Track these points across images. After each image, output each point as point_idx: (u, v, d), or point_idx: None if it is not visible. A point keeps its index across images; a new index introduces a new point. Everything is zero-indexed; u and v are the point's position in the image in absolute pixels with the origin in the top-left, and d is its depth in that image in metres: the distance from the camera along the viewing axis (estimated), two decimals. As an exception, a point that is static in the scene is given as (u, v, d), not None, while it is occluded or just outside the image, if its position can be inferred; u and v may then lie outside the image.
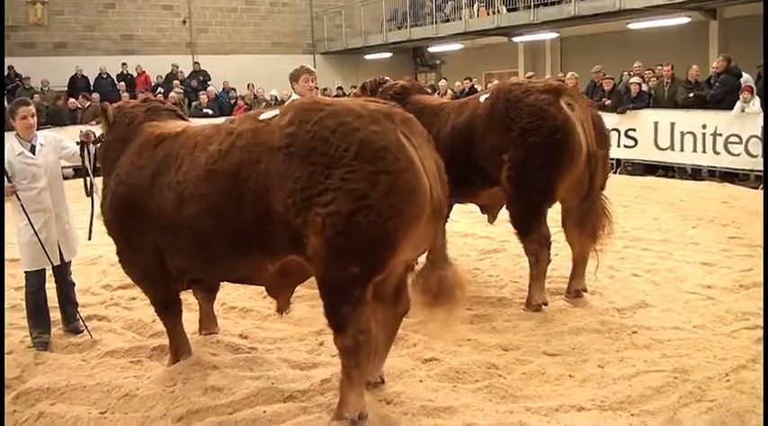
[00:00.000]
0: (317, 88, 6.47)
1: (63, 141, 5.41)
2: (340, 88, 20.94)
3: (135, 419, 3.96)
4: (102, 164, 4.75)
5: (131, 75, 20.64)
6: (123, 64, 20.73)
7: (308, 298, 5.76)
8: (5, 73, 19.13)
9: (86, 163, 5.07)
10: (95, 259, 7.67)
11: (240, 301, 5.93)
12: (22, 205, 4.99)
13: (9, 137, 5.25)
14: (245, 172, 3.64)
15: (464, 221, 8.34)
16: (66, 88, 19.51)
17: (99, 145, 4.97)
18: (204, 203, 3.78)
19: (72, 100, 17.85)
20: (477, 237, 7.97)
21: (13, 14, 20.53)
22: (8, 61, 19.45)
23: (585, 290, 5.77)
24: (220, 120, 4.37)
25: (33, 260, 5.14)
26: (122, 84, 19.59)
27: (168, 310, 4.62)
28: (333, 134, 3.46)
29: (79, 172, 5.25)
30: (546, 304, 5.45)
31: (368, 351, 3.62)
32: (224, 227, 3.75)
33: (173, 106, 5.14)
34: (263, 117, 3.81)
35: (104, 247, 7.76)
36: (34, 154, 5.11)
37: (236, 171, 3.67)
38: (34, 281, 5.19)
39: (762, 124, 10.96)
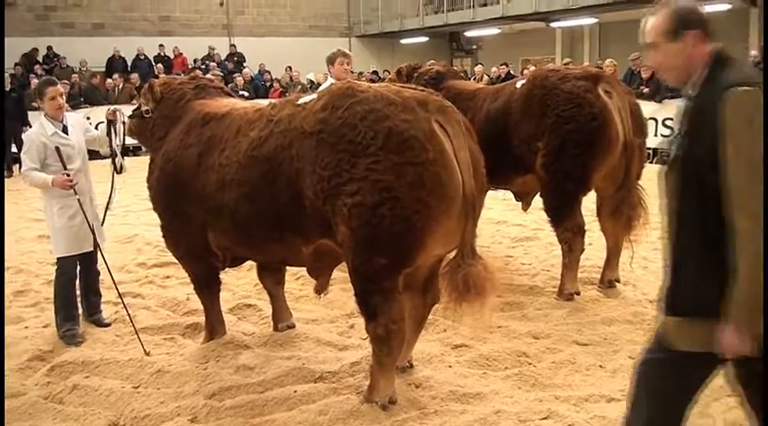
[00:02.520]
0: (352, 72, 6.48)
1: (87, 124, 5.38)
2: (375, 72, 20.91)
3: (167, 394, 4.03)
4: (149, 140, 4.76)
5: (168, 57, 20.81)
6: (161, 45, 20.92)
7: (339, 281, 5.77)
8: (44, 52, 19.50)
9: (113, 141, 4.99)
10: (131, 237, 7.81)
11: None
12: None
13: (36, 118, 5.12)
14: (279, 156, 3.65)
15: (497, 208, 8.30)
16: (103, 68, 19.75)
17: (134, 120, 4.93)
18: (243, 189, 3.80)
19: (109, 80, 18.07)
20: (510, 225, 7.94)
21: (54, -5, 20.86)
22: (47, 41, 19.81)
23: (618, 281, 5.72)
24: (257, 103, 4.38)
25: (69, 245, 4.98)
26: (159, 65, 19.74)
27: (208, 288, 4.64)
28: (362, 121, 3.39)
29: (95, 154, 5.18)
30: (578, 293, 5.42)
31: (400, 340, 3.63)
32: (260, 212, 3.77)
33: (219, 84, 5.13)
34: (301, 101, 3.79)
35: (141, 226, 7.96)
36: (67, 134, 4.95)
37: (273, 156, 3.68)
38: (68, 268, 5.06)
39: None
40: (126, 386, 4.18)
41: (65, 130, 4.94)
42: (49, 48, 19.63)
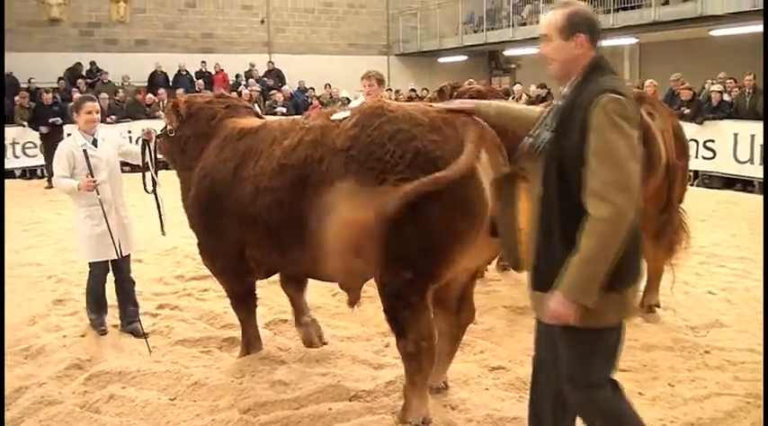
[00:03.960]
0: (388, 90, 6.54)
1: (122, 139, 5.61)
2: (413, 90, 20.99)
3: (203, 407, 4.04)
4: (180, 158, 4.83)
5: (209, 73, 21.15)
6: (202, 62, 21.28)
7: (376, 298, 5.78)
8: (87, 67, 19.95)
9: (148, 160, 5.13)
10: (170, 250, 7.90)
11: (309, 298, 5.96)
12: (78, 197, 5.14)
13: (70, 130, 5.34)
14: (309, 167, 3.70)
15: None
16: (146, 84, 20.14)
17: (161, 139, 5.04)
18: (275, 195, 3.84)
19: (149, 95, 18.41)
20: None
21: (97, 12, 21.38)
22: (91, 56, 20.29)
23: (659, 306, 5.60)
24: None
25: (94, 251, 5.24)
26: (200, 81, 20.07)
27: (245, 303, 4.68)
28: (390, 140, 3.45)
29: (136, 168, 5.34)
30: (618, 316, 5.31)
31: (430, 357, 3.62)
32: (290, 219, 3.80)
33: (248, 103, 5.24)
34: (335, 116, 3.85)
35: (180, 239, 8.02)
36: (96, 147, 5.22)
37: (302, 164, 3.73)
38: (97, 271, 5.34)
39: None
40: (162, 397, 4.20)
41: (94, 143, 5.22)
42: (93, 63, 20.09)
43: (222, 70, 21.37)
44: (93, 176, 5.05)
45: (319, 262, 3.84)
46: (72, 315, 5.82)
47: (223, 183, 4.22)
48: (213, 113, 4.69)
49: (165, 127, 4.99)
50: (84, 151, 5.08)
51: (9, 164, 16.19)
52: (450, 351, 4.05)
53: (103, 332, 5.31)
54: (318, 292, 6.06)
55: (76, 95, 5.81)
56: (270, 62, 22.38)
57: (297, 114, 17.21)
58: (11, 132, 16.17)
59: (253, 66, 21.52)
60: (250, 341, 4.75)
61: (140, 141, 5.19)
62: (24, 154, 16.12)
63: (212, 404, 4.08)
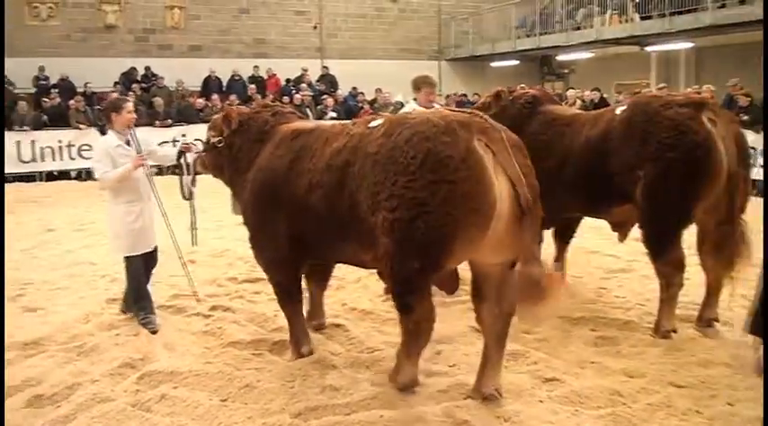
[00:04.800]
0: (439, 95, 6.52)
1: (150, 141, 5.90)
2: (464, 95, 20.89)
3: (254, 410, 4.07)
4: (231, 166, 5.13)
5: (262, 78, 21.38)
6: (255, 67, 21.51)
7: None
8: (142, 72, 20.39)
9: (185, 169, 5.57)
10: (223, 252, 8.00)
11: (360, 303, 6.00)
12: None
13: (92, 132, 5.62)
14: (347, 169, 4.08)
15: (590, 237, 8.06)
16: (199, 88, 20.48)
17: (207, 152, 5.39)
18: (323, 191, 4.23)
19: (199, 100, 18.72)
20: (604, 255, 7.69)
21: (152, 18, 21.81)
22: (146, 61, 20.68)
23: (717, 320, 5.41)
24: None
25: (133, 245, 5.53)
26: (253, 86, 20.31)
27: (290, 297, 4.91)
28: (406, 143, 3.75)
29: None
30: (675, 331, 5.16)
31: (427, 336, 4.03)
32: (334, 215, 4.19)
33: (292, 109, 5.51)
34: (372, 124, 4.18)
35: (233, 241, 8.14)
36: (129, 146, 5.51)
37: (343, 167, 4.12)
38: (138, 264, 5.59)
39: None
40: (213, 398, 4.24)
41: (127, 143, 5.53)
42: (147, 68, 20.47)
43: (275, 75, 21.59)
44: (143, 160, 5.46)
45: (359, 252, 4.24)
46: (125, 313, 5.92)
47: (280, 176, 4.57)
48: (264, 121, 5.05)
49: (209, 140, 5.33)
50: (129, 142, 5.45)
51: (66, 165, 16.78)
52: (497, 348, 4.10)
53: (154, 331, 5.43)
54: (369, 298, 6.07)
55: (113, 96, 6.21)
56: (324, 67, 22.53)
57: (348, 119, 17.36)
58: (68, 135, 16.72)
59: (305, 71, 21.70)
60: (299, 339, 4.89)
61: (177, 152, 5.67)
62: (80, 156, 16.58)
63: (263, 407, 4.09)
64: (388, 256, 3.82)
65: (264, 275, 5.33)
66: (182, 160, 5.64)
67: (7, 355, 4.97)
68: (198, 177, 5.74)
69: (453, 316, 5.50)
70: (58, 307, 6.21)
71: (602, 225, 6.32)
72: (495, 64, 24.30)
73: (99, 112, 5.64)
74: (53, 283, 7.02)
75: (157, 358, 4.90)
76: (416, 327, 3.97)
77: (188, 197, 5.65)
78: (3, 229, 5.45)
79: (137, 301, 5.61)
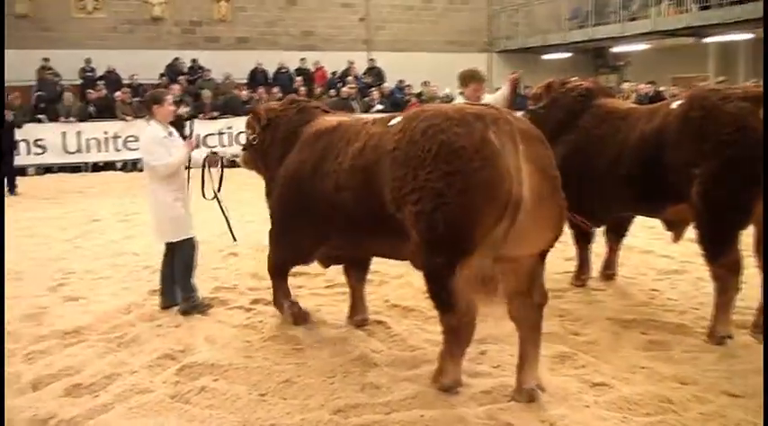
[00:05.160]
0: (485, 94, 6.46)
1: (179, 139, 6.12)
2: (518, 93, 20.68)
3: (293, 405, 4.07)
4: (263, 163, 5.49)
5: (309, 71, 21.53)
6: (302, 59, 21.69)
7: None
8: (189, 64, 20.69)
9: (205, 175, 5.88)
10: (265, 245, 8.03)
11: (403, 299, 5.97)
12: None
13: (137, 124, 5.85)
14: (372, 168, 4.24)
15: (643, 236, 7.90)
16: (246, 81, 20.71)
17: (246, 152, 5.71)
18: (351, 191, 4.42)
19: (244, 92, 18.92)
20: (657, 255, 7.51)
21: (199, 10, 22.18)
22: (193, 54, 21.05)
23: (775, 326, 5.24)
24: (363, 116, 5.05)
25: (184, 230, 5.79)
26: (300, 78, 20.46)
27: (279, 278, 5.51)
28: (422, 136, 3.87)
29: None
30: (731, 337, 4.99)
31: (469, 335, 4.04)
32: (364, 213, 4.37)
33: (317, 103, 5.86)
34: (391, 122, 4.32)
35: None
36: (172, 137, 5.79)
37: (367, 167, 4.29)
38: (191, 244, 5.86)
39: None
40: (253, 392, 4.26)
41: (170, 134, 5.80)
42: (194, 60, 20.80)
43: (322, 67, 21.73)
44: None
45: (394, 248, 4.37)
46: (166, 309, 6.01)
47: (305, 182, 4.83)
48: (288, 120, 5.33)
49: (247, 138, 5.68)
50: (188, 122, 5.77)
51: (111, 157, 17.17)
52: (533, 341, 4.10)
53: (206, 309, 5.78)
54: (412, 294, 6.04)
55: (157, 90, 6.47)
56: (370, 59, 22.57)
57: (396, 111, 17.36)
58: (113, 126, 17.10)
59: (351, 63, 21.77)
60: (281, 303, 5.48)
61: (203, 160, 5.96)
62: (126, 147, 16.97)
63: (302, 403, 4.10)
64: (419, 252, 3.96)
65: (308, 269, 5.40)
66: (204, 168, 5.91)
67: (46, 343, 5.10)
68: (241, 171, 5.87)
69: (500, 316, 5.43)
70: (99, 297, 6.34)
71: (656, 224, 6.18)
72: (546, 56, 24.02)
73: (140, 103, 5.88)
74: (96, 273, 7.18)
75: (198, 350, 4.96)
76: (457, 325, 3.99)
77: (212, 197, 5.86)
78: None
79: (188, 283, 5.83)
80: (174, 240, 5.80)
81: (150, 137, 5.71)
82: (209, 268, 7.30)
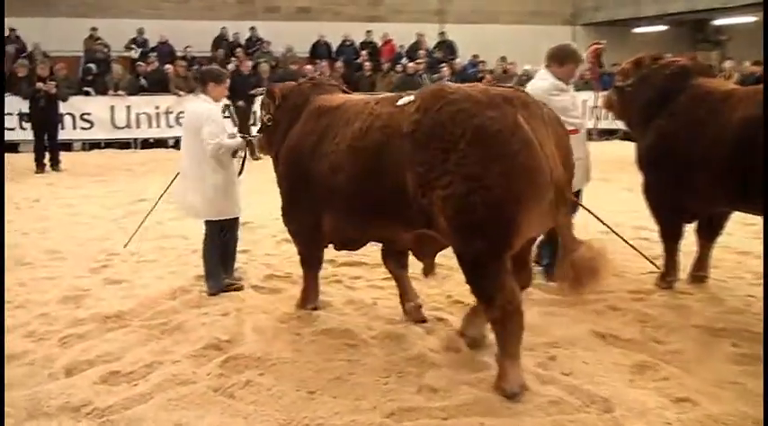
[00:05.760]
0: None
1: None
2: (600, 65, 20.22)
3: (343, 405, 4.10)
4: (273, 135, 5.71)
5: (375, 44, 21.54)
6: (368, 31, 21.72)
7: (542, 303, 5.66)
8: (247, 35, 20.93)
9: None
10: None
11: (467, 296, 5.82)
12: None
13: (192, 100, 6.51)
14: (380, 151, 4.41)
15: (739, 235, 7.64)
16: (308, 54, 20.85)
17: (263, 134, 5.93)
18: (350, 173, 4.63)
19: (308, 66, 19.04)
20: (754, 257, 7.24)
21: (266, -23, 22.36)
22: (250, 24, 21.23)
23: None
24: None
25: (231, 208, 6.12)
26: (365, 52, 20.48)
27: (309, 266, 5.66)
28: (451, 120, 4.02)
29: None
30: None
31: (519, 321, 4.12)
32: (366, 196, 4.58)
33: (334, 82, 6.13)
34: (400, 102, 4.48)
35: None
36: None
37: (373, 148, 4.46)
38: (234, 224, 6.25)
39: None
40: (301, 389, 4.30)
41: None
42: (252, 29, 21.04)
43: (390, 40, 21.70)
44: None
45: (399, 232, 4.66)
46: (214, 293, 6.12)
47: (306, 156, 5.09)
48: (301, 93, 5.61)
49: (263, 120, 5.92)
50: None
51: (162, 133, 17.55)
52: None
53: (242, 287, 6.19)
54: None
55: (217, 68, 6.78)
56: (442, 32, 22.42)
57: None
58: (165, 101, 17.41)
59: (421, 36, 21.67)
60: (309, 296, 5.66)
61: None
62: (178, 123, 17.09)
63: (353, 403, 4.13)
64: (450, 238, 4.19)
65: (366, 259, 5.33)
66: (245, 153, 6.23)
67: (85, 328, 5.28)
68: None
69: (573, 318, 5.38)
70: (143, 281, 6.51)
71: (756, 221, 5.96)
72: (639, 29, 23.44)
73: (196, 73, 6.11)
74: (141, 255, 7.36)
75: (245, 341, 5.03)
76: (503, 315, 4.08)
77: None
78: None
79: (220, 266, 6.15)
80: (233, 215, 6.15)
81: (209, 113, 5.94)
82: (262, 254, 7.42)
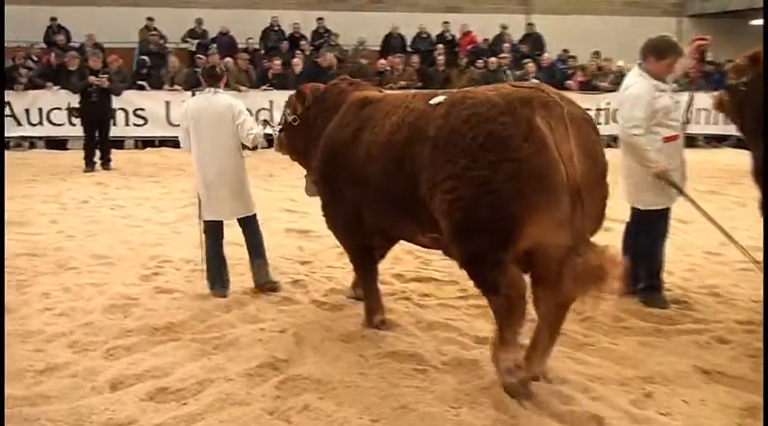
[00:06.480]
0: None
1: None
2: (710, 62, 19.76)
3: (409, 437, 4.08)
4: (307, 139, 6.05)
5: (453, 36, 21.54)
6: (445, 22, 21.73)
7: (638, 332, 5.54)
8: (314, 27, 21.15)
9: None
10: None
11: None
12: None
13: (207, 97, 6.61)
14: (405, 148, 4.78)
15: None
16: (378, 48, 20.99)
17: (282, 133, 6.41)
18: (381, 165, 4.99)
19: (382, 61, 19.13)
20: None
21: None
22: (318, 14, 21.47)
23: None
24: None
25: (253, 203, 6.79)
26: (441, 45, 20.51)
27: (363, 264, 5.95)
28: (465, 124, 4.36)
29: None
30: None
31: (521, 310, 4.44)
32: (391, 191, 4.94)
33: (369, 82, 6.50)
34: (433, 101, 4.81)
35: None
36: None
37: (402, 144, 4.82)
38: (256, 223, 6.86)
39: None
40: (363, 417, 4.30)
41: None
42: (320, 19, 21.30)
43: (469, 32, 21.64)
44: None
45: (416, 233, 5.04)
46: (274, 304, 6.24)
47: (344, 145, 5.42)
48: (339, 90, 6.02)
49: (284, 120, 6.36)
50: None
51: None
52: (549, 337, 4.70)
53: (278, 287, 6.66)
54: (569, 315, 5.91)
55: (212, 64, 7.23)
56: (528, 24, 22.26)
57: (555, 86, 17.15)
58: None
59: (505, 28, 21.56)
60: (372, 309, 5.81)
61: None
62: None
63: (420, 436, 4.10)
64: (453, 242, 4.51)
65: (437, 274, 5.29)
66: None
67: (132, 339, 5.41)
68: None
69: (673, 351, 5.24)
70: (197, 291, 6.61)
71: None
72: (756, 21, 22.80)
73: (205, 69, 6.52)
74: (195, 263, 7.42)
75: (304, 361, 5.07)
76: (507, 302, 4.39)
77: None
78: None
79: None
80: (252, 212, 6.71)
81: (242, 107, 6.58)
82: (323, 265, 7.47)
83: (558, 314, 4.67)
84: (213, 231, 6.66)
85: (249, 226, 6.73)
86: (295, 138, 6.29)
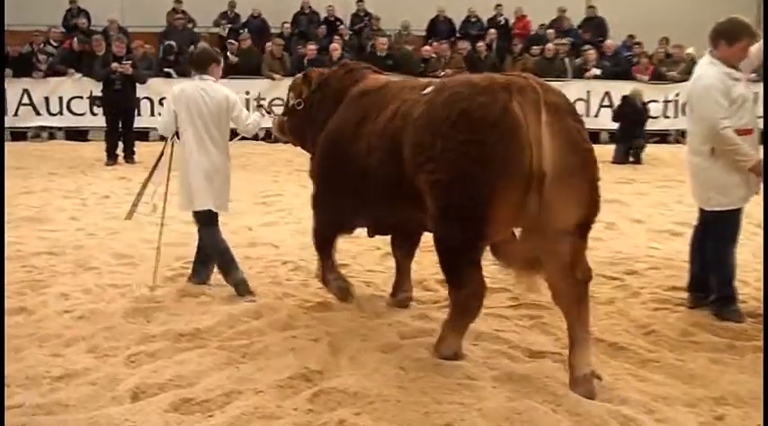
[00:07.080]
0: None
1: None
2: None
3: (453, 458, 4.07)
4: (310, 128, 6.44)
5: (506, 21, 21.44)
6: (497, 5, 21.62)
7: (709, 348, 5.47)
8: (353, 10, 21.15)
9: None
10: (431, 246, 8.06)
11: (613, 333, 5.81)
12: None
13: (199, 83, 6.91)
14: (399, 135, 5.14)
15: None
16: (423, 32, 20.94)
17: (286, 118, 6.85)
18: (377, 156, 5.38)
19: (427, 47, 19.07)
20: None
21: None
22: (359, -2, 21.47)
23: None
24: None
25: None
26: (492, 30, 20.45)
27: (324, 248, 6.41)
28: (443, 105, 4.78)
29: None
30: None
31: (475, 314, 5.12)
32: (384, 180, 5.34)
33: (366, 64, 6.81)
34: (425, 91, 5.19)
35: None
36: None
37: (394, 133, 5.21)
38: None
39: None
40: (404, 435, 4.29)
41: None
42: (360, 2, 21.33)
43: (524, 17, 21.53)
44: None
45: (418, 222, 5.38)
46: (308, 310, 6.27)
47: (345, 138, 5.80)
48: (338, 79, 6.39)
49: (288, 103, 6.79)
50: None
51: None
52: (581, 324, 4.81)
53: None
54: (625, 327, 5.89)
55: (206, 47, 8.09)
56: (590, 7, 22.06)
57: (617, 79, 17.06)
58: (258, 85, 17.66)
59: (563, 12, 21.41)
60: (329, 279, 6.41)
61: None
62: (274, 111, 17.41)
63: (465, 457, 4.10)
64: (433, 222, 4.94)
65: (490, 283, 5.40)
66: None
67: (155, 345, 5.45)
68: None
69: (748, 369, 5.14)
70: (224, 295, 6.66)
71: None
72: None
73: (193, 54, 6.66)
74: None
75: (339, 373, 5.06)
76: (465, 303, 5.01)
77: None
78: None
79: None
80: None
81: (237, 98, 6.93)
82: (363, 269, 7.47)
83: (581, 290, 4.81)
84: (214, 221, 6.96)
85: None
86: (297, 123, 6.72)
